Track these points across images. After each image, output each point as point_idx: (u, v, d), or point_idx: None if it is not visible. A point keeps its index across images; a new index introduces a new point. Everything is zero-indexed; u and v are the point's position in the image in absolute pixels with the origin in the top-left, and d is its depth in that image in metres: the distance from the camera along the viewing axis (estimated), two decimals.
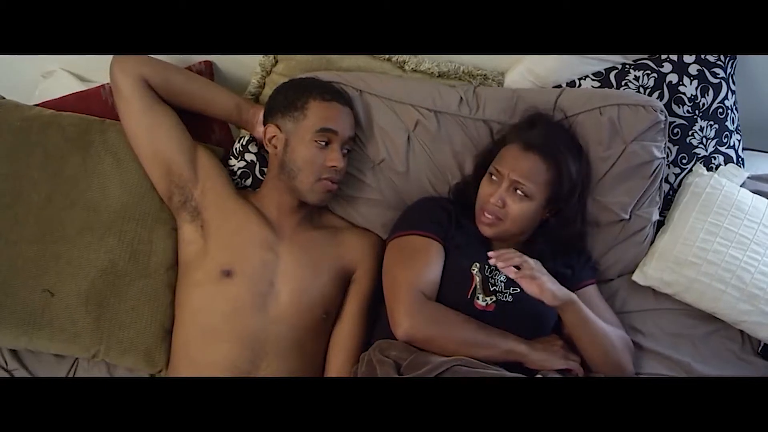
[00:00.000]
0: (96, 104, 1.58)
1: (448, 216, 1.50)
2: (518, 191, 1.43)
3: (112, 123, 1.52)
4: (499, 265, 1.33)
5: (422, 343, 1.34)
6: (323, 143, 1.45)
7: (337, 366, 1.48)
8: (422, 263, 1.42)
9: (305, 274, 1.47)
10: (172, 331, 1.47)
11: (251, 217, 1.48)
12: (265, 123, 1.51)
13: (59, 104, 1.56)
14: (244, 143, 1.60)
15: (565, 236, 1.51)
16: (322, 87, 1.50)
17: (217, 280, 1.41)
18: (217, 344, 1.38)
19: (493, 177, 1.47)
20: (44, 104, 1.55)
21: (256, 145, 1.60)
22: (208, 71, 1.65)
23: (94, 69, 1.72)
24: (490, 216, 1.45)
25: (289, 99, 1.48)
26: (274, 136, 1.48)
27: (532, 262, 1.36)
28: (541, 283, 1.33)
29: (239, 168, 1.60)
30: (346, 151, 1.49)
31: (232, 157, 1.60)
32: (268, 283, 1.43)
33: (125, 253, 1.45)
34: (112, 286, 1.43)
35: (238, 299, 1.41)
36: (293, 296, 1.44)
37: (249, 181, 1.61)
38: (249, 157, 1.60)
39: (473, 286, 1.42)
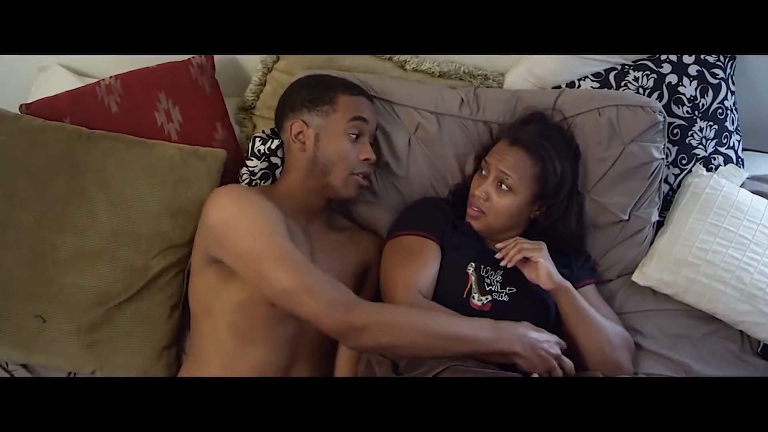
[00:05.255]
0: (92, 103, 1.53)
1: (444, 216, 1.51)
2: (503, 185, 1.45)
3: (99, 137, 1.46)
4: (510, 254, 1.37)
5: None
6: (354, 136, 1.44)
7: (344, 368, 1.46)
8: (418, 263, 1.43)
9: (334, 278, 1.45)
10: (171, 345, 1.46)
11: (290, 226, 1.39)
12: (285, 120, 1.48)
13: (53, 103, 1.52)
14: (272, 146, 1.55)
15: (561, 237, 1.51)
16: (347, 83, 1.50)
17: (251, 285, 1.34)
18: (253, 346, 1.34)
19: (483, 171, 1.49)
20: (39, 102, 1.52)
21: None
22: (210, 65, 1.64)
23: (91, 64, 1.72)
24: (475, 209, 1.47)
25: (314, 94, 1.46)
26: (300, 132, 1.45)
27: (536, 243, 1.40)
28: (539, 264, 1.36)
29: (260, 169, 1.56)
30: (371, 143, 1.48)
31: (253, 158, 1.56)
32: None
33: (118, 281, 1.42)
34: (105, 312, 1.41)
35: (274, 305, 1.33)
36: None
37: (268, 182, 1.58)
38: (274, 160, 1.56)
39: (469, 285, 1.43)
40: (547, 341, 1.30)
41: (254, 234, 1.28)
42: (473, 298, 1.42)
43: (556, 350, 1.31)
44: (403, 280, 1.40)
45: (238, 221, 1.29)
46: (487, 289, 1.44)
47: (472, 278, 1.44)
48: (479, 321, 1.30)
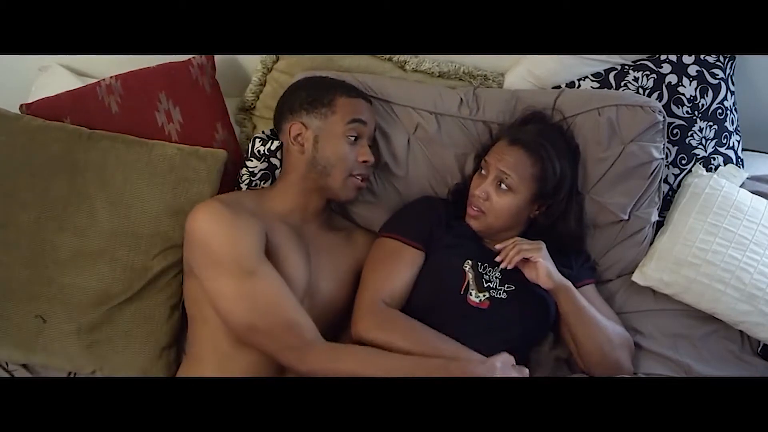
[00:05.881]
0: (92, 103, 1.53)
1: (437, 218, 1.52)
2: (502, 185, 1.45)
3: (99, 137, 1.46)
4: (509, 256, 1.37)
5: (371, 346, 1.35)
6: (353, 138, 1.44)
7: None
8: (389, 269, 1.45)
9: (332, 284, 1.46)
10: (171, 345, 1.46)
11: (283, 230, 1.41)
12: (284, 122, 1.48)
13: (54, 103, 1.51)
14: (272, 147, 1.55)
15: (560, 236, 1.51)
16: (345, 85, 1.50)
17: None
18: (248, 349, 1.33)
19: (482, 171, 1.49)
20: (39, 102, 1.51)
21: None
22: (210, 65, 1.64)
23: (91, 64, 1.72)
24: (475, 209, 1.47)
25: (312, 96, 1.46)
26: (299, 134, 1.45)
27: (535, 243, 1.40)
28: (538, 264, 1.36)
29: (260, 170, 1.56)
30: (369, 145, 1.49)
31: (253, 158, 1.56)
32: (302, 293, 1.39)
33: (118, 281, 1.41)
34: (105, 312, 1.41)
35: None
36: (324, 305, 1.43)
37: (268, 183, 1.58)
38: (274, 161, 1.56)
39: (466, 282, 1.44)
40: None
41: (220, 265, 1.30)
42: (470, 294, 1.43)
43: None
44: (369, 285, 1.43)
45: (208, 248, 1.31)
46: (486, 286, 1.44)
47: (470, 275, 1.44)
48: (431, 361, 1.29)
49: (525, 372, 1.30)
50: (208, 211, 1.34)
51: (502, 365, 1.27)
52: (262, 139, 1.57)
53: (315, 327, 1.32)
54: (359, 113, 1.46)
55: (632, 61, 1.74)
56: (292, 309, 1.31)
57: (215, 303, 1.31)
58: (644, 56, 1.74)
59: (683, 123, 1.72)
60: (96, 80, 1.57)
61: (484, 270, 1.46)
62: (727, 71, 1.76)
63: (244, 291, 1.29)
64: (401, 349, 1.33)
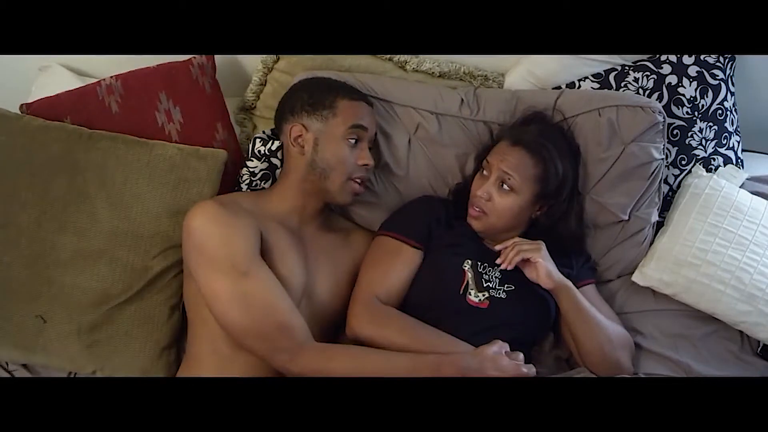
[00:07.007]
0: (92, 103, 1.52)
1: (437, 217, 1.52)
2: (504, 185, 1.45)
3: (99, 137, 1.46)
4: (509, 257, 1.38)
5: (366, 342, 1.36)
6: (353, 141, 1.44)
7: None
8: (386, 267, 1.45)
9: (330, 285, 1.46)
10: (171, 345, 1.46)
11: (281, 231, 1.42)
12: (285, 123, 1.48)
13: (54, 103, 1.51)
14: (272, 147, 1.55)
15: (561, 237, 1.51)
16: (347, 87, 1.50)
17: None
18: (245, 351, 1.33)
19: (484, 171, 1.49)
20: (39, 102, 1.51)
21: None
22: (210, 65, 1.64)
23: (91, 64, 1.72)
24: (477, 209, 1.47)
25: (314, 98, 1.46)
26: (299, 136, 1.45)
27: (534, 243, 1.40)
28: (538, 264, 1.36)
29: (261, 170, 1.56)
30: (369, 147, 1.49)
31: (253, 158, 1.55)
32: (299, 294, 1.40)
33: (118, 281, 1.41)
34: (105, 313, 1.40)
35: None
36: (322, 306, 1.43)
37: (268, 183, 1.58)
38: (274, 161, 1.56)
39: (465, 281, 1.44)
40: (506, 374, 1.25)
41: (215, 265, 1.30)
42: (470, 294, 1.43)
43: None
44: (365, 282, 1.44)
45: (203, 248, 1.31)
46: (485, 285, 1.44)
47: (469, 275, 1.44)
48: (424, 358, 1.28)
49: (520, 357, 1.30)
50: (204, 211, 1.34)
51: (494, 354, 1.27)
52: (262, 139, 1.57)
53: (308, 329, 1.32)
54: (360, 118, 1.46)
55: (632, 62, 1.74)
56: (286, 310, 1.31)
57: (210, 304, 1.31)
58: (644, 57, 1.74)
59: (683, 124, 1.72)
60: (96, 80, 1.57)
61: (483, 270, 1.46)
62: (727, 72, 1.76)
63: (238, 291, 1.29)
64: (396, 344, 1.33)
